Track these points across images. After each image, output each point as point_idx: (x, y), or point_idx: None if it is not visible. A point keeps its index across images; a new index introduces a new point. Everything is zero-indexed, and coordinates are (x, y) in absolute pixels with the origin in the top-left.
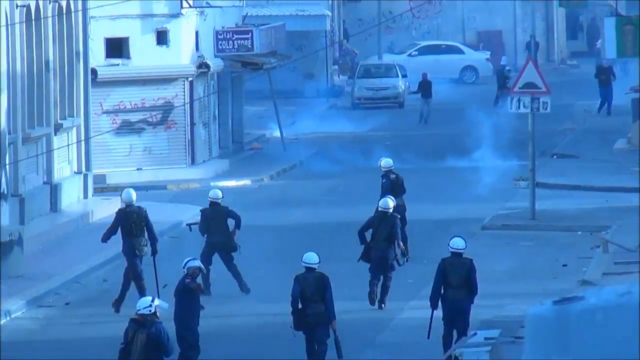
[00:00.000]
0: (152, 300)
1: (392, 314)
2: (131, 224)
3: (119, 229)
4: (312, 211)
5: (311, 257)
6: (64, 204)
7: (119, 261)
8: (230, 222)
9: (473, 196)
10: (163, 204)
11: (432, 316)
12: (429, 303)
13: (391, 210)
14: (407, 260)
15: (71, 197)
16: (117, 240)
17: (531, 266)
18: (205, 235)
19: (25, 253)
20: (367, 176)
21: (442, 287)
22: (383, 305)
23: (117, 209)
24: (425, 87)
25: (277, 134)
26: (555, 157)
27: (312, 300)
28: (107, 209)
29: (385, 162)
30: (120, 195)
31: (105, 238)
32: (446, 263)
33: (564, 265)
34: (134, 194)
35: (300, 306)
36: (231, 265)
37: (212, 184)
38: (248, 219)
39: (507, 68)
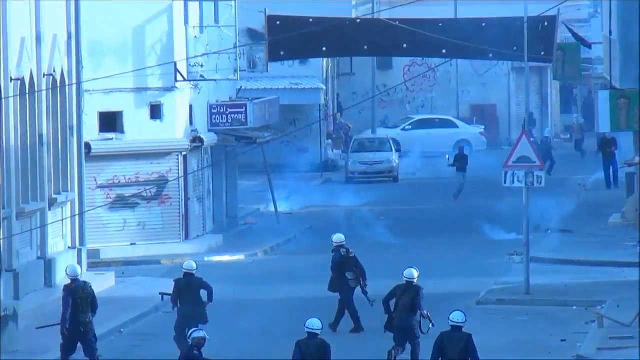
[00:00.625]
0: None
1: None
2: (77, 300)
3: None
4: (305, 287)
5: (314, 323)
6: (58, 279)
7: (113, 337)
8: (203, 294)
9: (467, 271)
10: (156, 279)
11: None
12: None
13: (415, 281)
14: (432, 326)
15: (63, 272)
16: (111, 315)
17: (526, 341)
18: (176, 308)
19: (20, 328)
20: (360, 251)
21: None
22: None
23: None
24: (461, 161)
25: (272, 208)
26: (549, 231)
27: None
28: (101, 284)
29: (337, 237)
30: (66, 270)
31: (63, 319)
32: (444, 337)
33: (562, 340)
34: (79, 269)
35: None
36: None
37: (206, 259)
38: (241, 293)
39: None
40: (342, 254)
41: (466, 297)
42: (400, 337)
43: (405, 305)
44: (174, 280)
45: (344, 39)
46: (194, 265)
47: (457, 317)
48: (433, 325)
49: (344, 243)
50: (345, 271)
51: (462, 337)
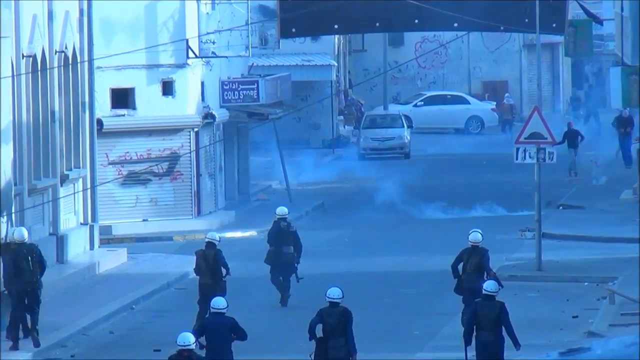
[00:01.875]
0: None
1: None
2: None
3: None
4: (317, 262)
5: (335, 292)
6: (70, 255)
7: (125, 313)
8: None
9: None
10: (169, 255)
11: (466, 353)
12: (462, 342)
13: (480, 244)
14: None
15: (77, 248)
16: (123, 292)
17: (538, 317)
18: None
19: None
20: (372, 227)
21: (475, 329)
22: None
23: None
24: (571, 137)
25: (284, 184)
26: (561, 207)
27: (333, 333)
28: (113, 261)
29: (279, 210)
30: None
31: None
32: (478, 305)
33: (574, 317)
34: (25, 233)
35: (321, 336)
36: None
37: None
38: (253, 270)
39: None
40: (282, 227)
41: None
42: (470, 298)
43: (473, 267)
44: (195, 252)
45: (356, 16)
46: (217, 237)
47: (490, 286)
48: (502, 286)
49: (286, 216)
50: (283, 245)
51: (496, 305)
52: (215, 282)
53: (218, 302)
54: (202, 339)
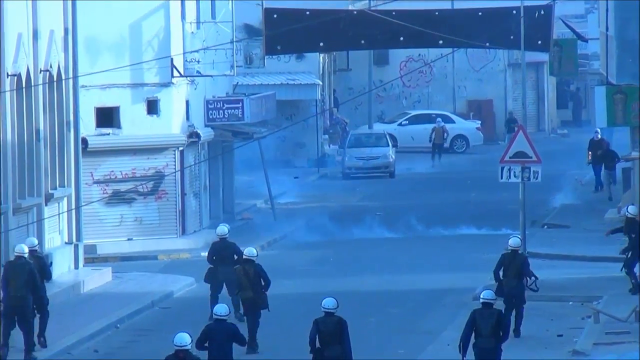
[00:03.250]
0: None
1: None
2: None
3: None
4: (302, 282)
5: (330, 302)
6: (55, 274)
7: (110, 332)
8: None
9: (464, 266)
10: (154, 275)
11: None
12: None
13: (519, 248)
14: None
15: (62, 267)
16: (107, 310)
17: (523, 336)
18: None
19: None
20: (357, 246)
21: (473, 335)
22: (519, 334)
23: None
24: (608, 158)
25: (268, 203)
26: (546, 227)
27: (329, 342)
28: (98, 280)
29: (219, 229)
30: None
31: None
32: (476, 313)
33: (559, 335)
34: (25, 248)
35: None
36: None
37: (202, 254)
38: None
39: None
40: (221, 246)
41: (463, 293)
42: (510, 302)
43: (513, 272)
44: (235, 269)
45: (341, 34)
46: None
47: (487, 294)
48: (537, 289)
49: (226, 236)
50: (222, 263)
51: (493, 313)
52: (257, 296)
53: (220, 309)
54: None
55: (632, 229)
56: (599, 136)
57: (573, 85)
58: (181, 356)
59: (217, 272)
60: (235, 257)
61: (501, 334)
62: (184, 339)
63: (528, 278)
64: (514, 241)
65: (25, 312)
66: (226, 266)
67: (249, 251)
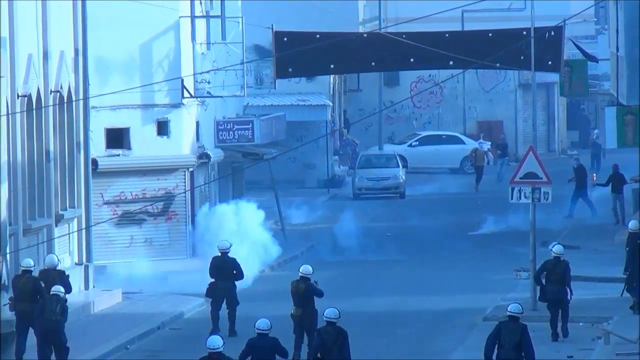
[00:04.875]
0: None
1: None
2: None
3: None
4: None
5: (332, 312)
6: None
7: (120, 353)
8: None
9: (474, 287)
10: (164, 296)
11: None
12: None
13: (562, 256)
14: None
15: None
16: (117, 332)
17: None
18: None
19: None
20: (368, 267)
21: (496, 347)
22: (566, 334)
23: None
24: (616, 181)
25: (279, 224)
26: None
27: (331, 352)
28: (108, 301)
29: (220, 244)
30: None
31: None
32: (502, 326)
33: (569, 357)
34: (31, 261)
35: (319, 356)
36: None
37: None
38: (249, 309)
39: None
40: (221, 261)
41: (473, 313)
42: (554, 306)
43: (556, 278)
44: (290, 283)
45: (352, 56)
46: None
47: (514, 308)
48: (572, 294)
49: (227, 250)
50: (222, 278)
51: (518, 327)
52: (305, 312)
53: (262, 324)
54: None
55: (629, 244)
56: (579, 163)
57: (584, 106)
58: (215, 357)
59: (216, 287)
60: (234, 272)
61: (526, 347)
62: (217, 342)
63: (568, 286)
64: (557, 248)
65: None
66: (225, 281)
67: (305, 269)
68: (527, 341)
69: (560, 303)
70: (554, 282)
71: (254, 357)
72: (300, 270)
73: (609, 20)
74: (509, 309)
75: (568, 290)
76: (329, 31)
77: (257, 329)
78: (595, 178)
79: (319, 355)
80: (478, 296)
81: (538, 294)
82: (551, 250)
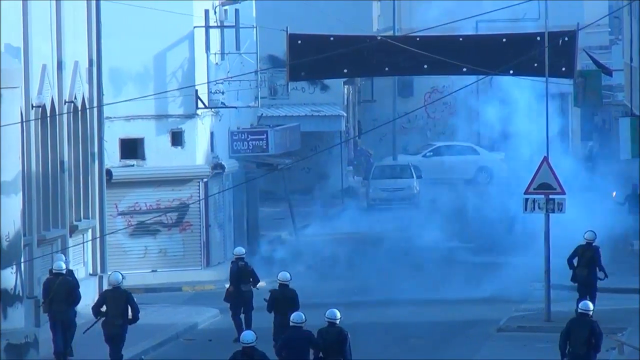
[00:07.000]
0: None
1: None
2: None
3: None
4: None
5: (332, 313)
6: (80, 306)
7: None
8: None
9: (488, 297)
10: (178, 306)
11: None
12: None
13: (594, 242)
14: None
15: (87, 298)
16: (132, 342)
17: None
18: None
19: (41, 355)
20: (382, 277)
21: (567, 343)
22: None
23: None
24: (637, 200)
25: (293, 235)
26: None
27: (331, 352)
28: None
29: (237, 250)
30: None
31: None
32: (572, 323)
33: None
34: (63, 265)
35: (321, 356)
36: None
37: (227, 285)
38: (263, 319)
39: None
40: (240, 266)
41: (487, 324)
42: (583, 289)
43: (586, 262)
44: (270, 291)
45: (365, 60)
46: (288, 276)
47: (584, 305)
48: (606, 276)
49: (243, 256)
50: (242, 283)
51: (587, 323)
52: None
53: (296, 317)
54: None
55: None
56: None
57: (597, 117)
58: (248, 352)
59: (237, 293)
60: (251, 279)
61: (593, 341)
62: (250, 336)
63: (599, 269)
64: (589, 234)
65: (67, 326)
66: (245, 287)
67: (283, 275)
68: (597, 335)
69: (588, 286)
70: (583, 266)
71: (289, 349)
72: (279, 278)
73: (623, 31)
74: (579, 306)
75: (602, 273)
76: (343, 34)
77: (293, 321)
78: (615, 195)
79: (320, 355)
80: (492, 306)
81: (570, 277)
82: (583, 236)
